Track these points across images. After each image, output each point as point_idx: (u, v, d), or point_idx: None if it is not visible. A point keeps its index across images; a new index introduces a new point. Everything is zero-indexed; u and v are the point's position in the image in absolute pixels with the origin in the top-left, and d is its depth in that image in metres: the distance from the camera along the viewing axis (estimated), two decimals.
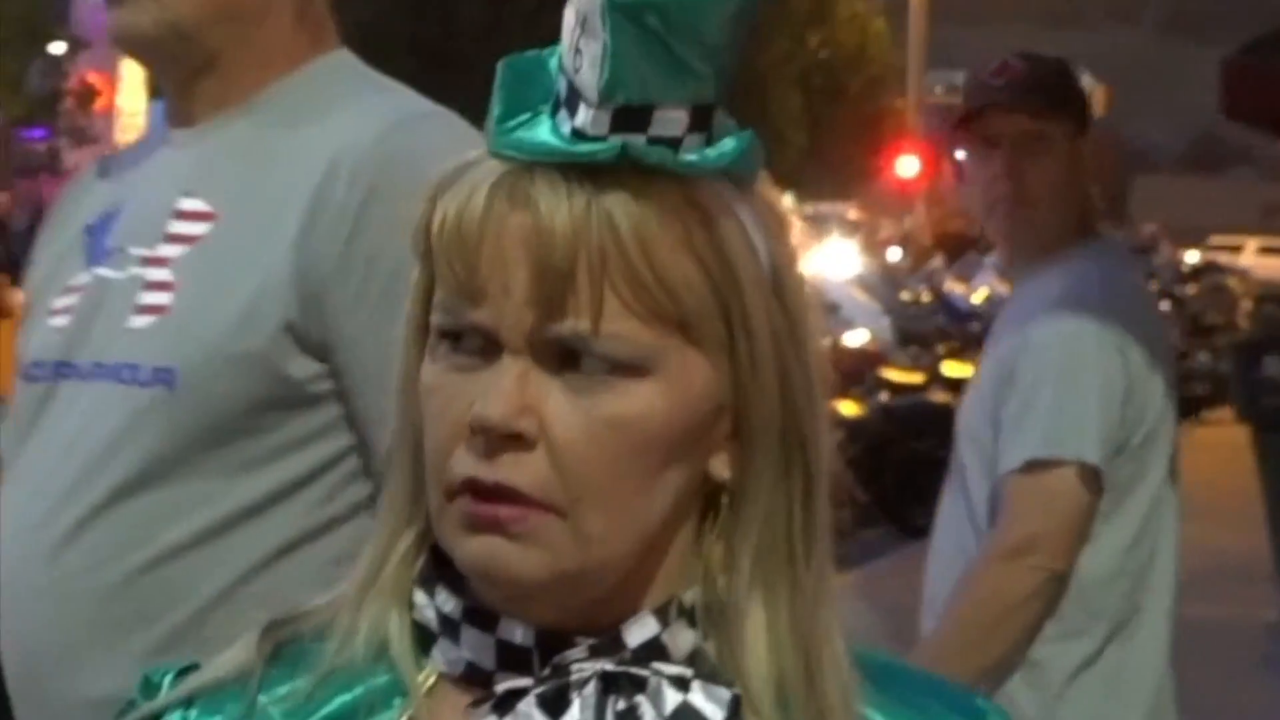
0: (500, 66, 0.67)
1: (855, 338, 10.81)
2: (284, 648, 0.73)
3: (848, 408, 9.12)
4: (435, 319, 0.66)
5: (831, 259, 15.28)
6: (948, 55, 39.26)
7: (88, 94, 29.54)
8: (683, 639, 0.68)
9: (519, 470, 0.62)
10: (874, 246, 23.27)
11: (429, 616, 0.70)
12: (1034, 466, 2.38)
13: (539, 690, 0.65)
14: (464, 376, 0.64)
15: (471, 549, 0.64)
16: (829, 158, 34.73)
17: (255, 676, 0.71)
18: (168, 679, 0.76)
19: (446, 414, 0.64)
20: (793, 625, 0.68)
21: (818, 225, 24.46)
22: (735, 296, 0.65)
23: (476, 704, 0.66)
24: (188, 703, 0.73)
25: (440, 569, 0.69)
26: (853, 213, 28.58)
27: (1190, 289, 19.41)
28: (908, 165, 30.01)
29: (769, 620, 0.68)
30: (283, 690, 0.71)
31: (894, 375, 10.78)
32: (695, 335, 0.64)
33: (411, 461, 0.70)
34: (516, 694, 0.66)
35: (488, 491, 0.62)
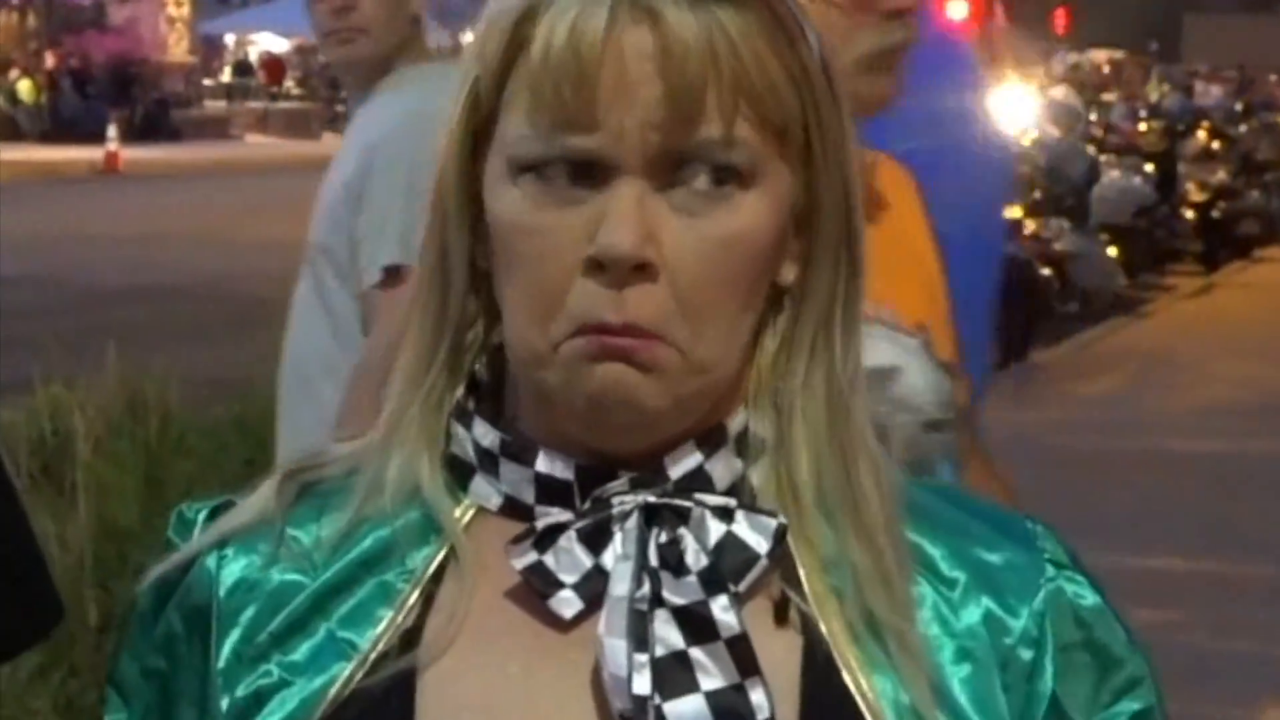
0: None
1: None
2: (311, 490, 0.71)
3: None
4: (518, 151, 0.61)
5: None
6: None
7: None
8: (726, 467, 0.65)
9: (644, 306, 0.59)
10: None
11: (467, 450, 0.68)
12: (393, 274, 2.37)
13: (579, 525, 0.63)
14: (568, 210, 0.60)
15: (599, 377, 0.60)
16: None
17: (280, 518, 0.69)
18: (201, 516, 0.74)
19: (555, 251, 0.60)
20: (831, 434, 0.65)
21: None
22: (811, 100, 0.64)
23: (517, 540, 0.63)
24: (221, 544, 0.71)
25: (476, 404, 0.67)
26: None
27: (1241, 128, 18.29)
28: (956, 8, 28.76)
29: (810, 434, 0.66)
30: (313, 529, 0.70)
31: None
32: (786, 140, 0.63)
33: (439, 303, 0.67)
34: (558, 528, 0.63)
35: (616, 330, 0.60)
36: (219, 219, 14.46)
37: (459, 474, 0.67)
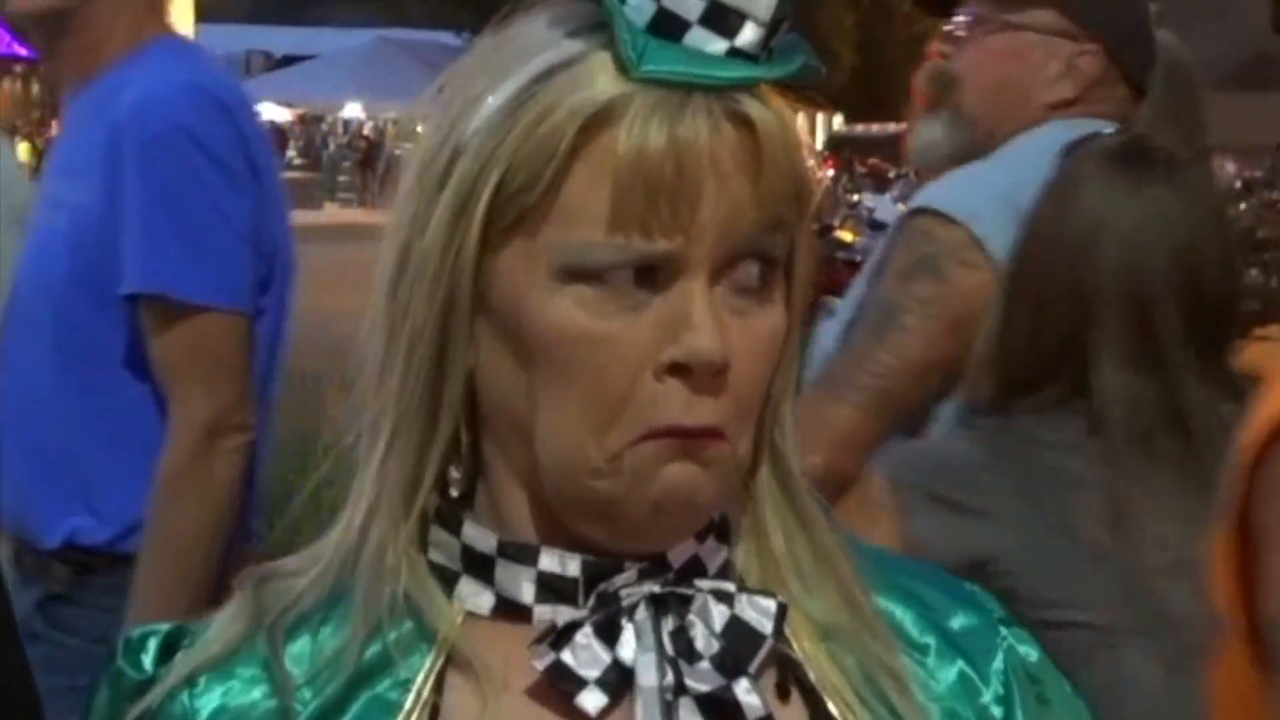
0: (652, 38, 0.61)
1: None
2: (285, 609, 0.71)
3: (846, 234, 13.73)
4: (581, 259, 0.61)
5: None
6: None
7: None
8: (714, 552, 0.70)
9: (718, 407, 0.62)
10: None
11: (452, 554, 0.70)
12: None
13: (594, 620, 0.65)
14: (633, 315, 0.61)
15: (669, 480, 0.62)
16: (878, 77, 33.97)
17: (264, 636, 0.70)
18: (152, 644, 0.73)
19: (621, 359, 0.61)
20: (790, 508, 0.71)
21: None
22: (802, 210, 0.69)
23: (538, 640, 0.65)
24: (189, 680, 0.70)
25: (459, 508, 0.70)
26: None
27: (1241, 205, 18.14)
28: None
29: (776, 510, 0.71)
30: (301, 648, 0.70)
31: None
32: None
33: (428, 420, 0.66)
34: (571, 626, 0.65)
35: (692, 432, 0.63)
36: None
37: (440, 580, 0.69)
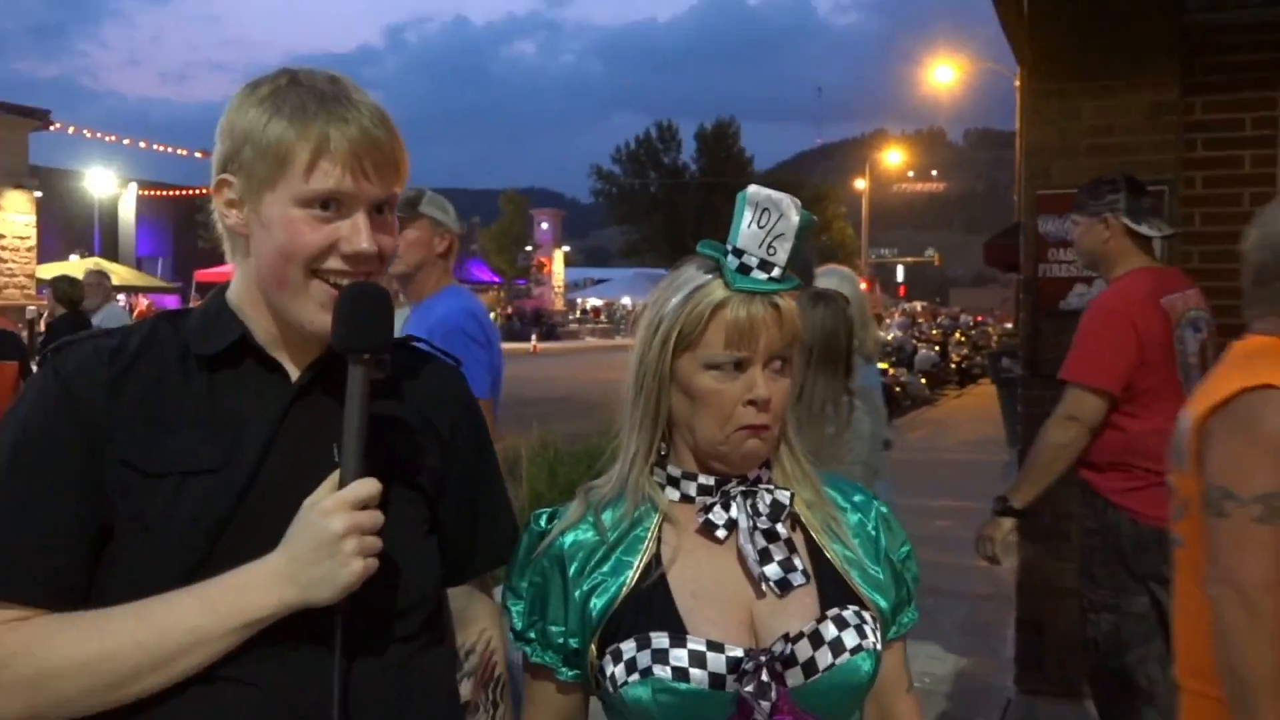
0: (733, 269, 1.36)
1: None
2: (597, 499, 1.44)
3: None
4: (713, 359, 1.36)
5: None
6: (878, 239, 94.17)
7: (541, 266, 63.16)
8: (765, 474, 1.44)
9: (766, 417, 1.36)
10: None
11: (663, 478, 1.43)
12: None
13: (720, 501, 1.40)
14: (731, 381, 1.36)
15: (751, 447, 1.37)
16: None
17: (591, 513, 1.43)
18: (544, 517, 1.47)
19: (730, 399, 1.36)
20: (798, 451, 1.47)
21: None
22: (797, 341, 1.41)
23: (703, 510, 1.40)
24: (561, 531, 1.43)
25: (665, 459, 1.43)
26: None
27: (972, 331, 33.03)
28: None
29: (791, 454, 1.47)
30: (605, 516, 1.42)
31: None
32: (797, 353, 1.42)
33: (653, 422, 1.41)
34: (709, 506, 1.40)
35: (759, 426, 1.36)
36: (575, 371, 27.07)
37: (659, 488, 1.43)
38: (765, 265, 1.34)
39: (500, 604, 1.54)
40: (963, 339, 29.87)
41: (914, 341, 25.83)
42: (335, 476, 1.22)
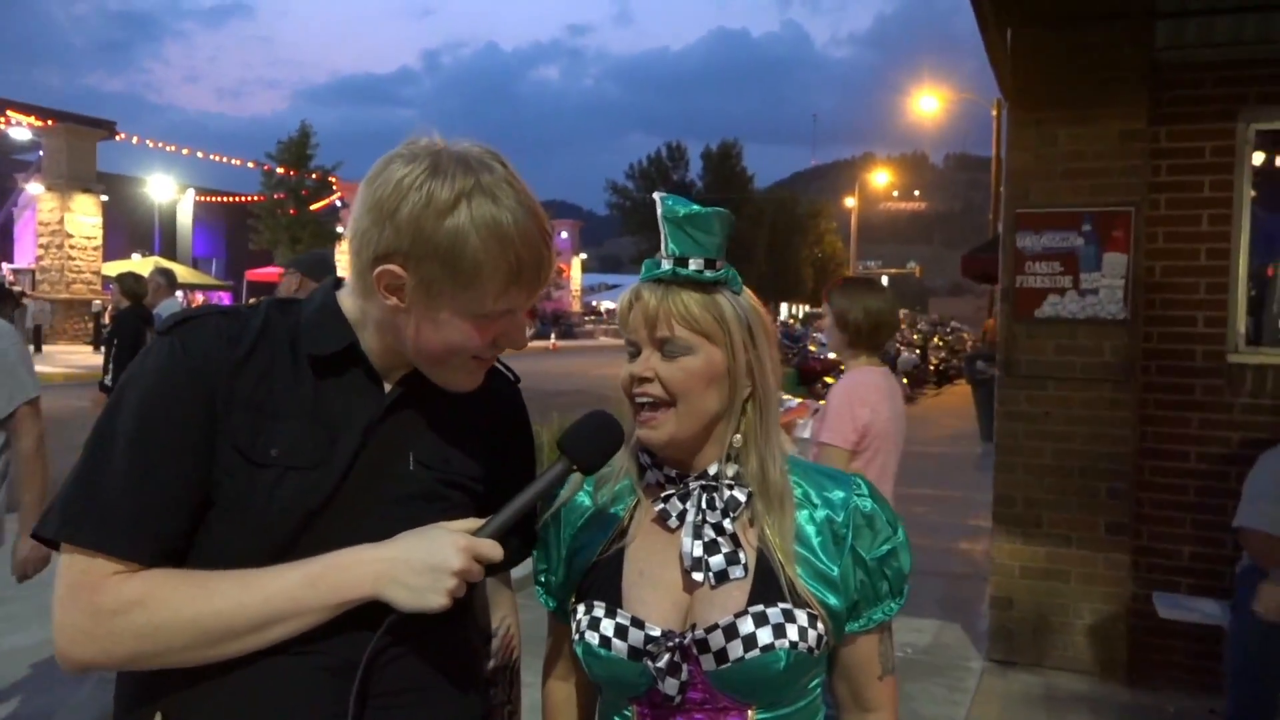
0: (647, 264, 1.36)
1: (830, 353, 17.47)
2: (598, 477, 1.44)
3: (829, 380, 16.09)
4: (625, 340, 1.37)
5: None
6: (865, 252, 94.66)
7: (559, 272, 55.70)
8: (727, 469, 1.38)
9: (651, 387, 1.33)
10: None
11: (645, 462, 1.41)
12: None
13: (679, 493, 1.37)
14: (630, 363, 1.36)
15: (642, 432, 1.36)
16: (785, 273, 66.12)
17: (593, 483, 1.46)
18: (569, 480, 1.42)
19: (624, 378, 1.36)
20: (766, 451, 1.37)
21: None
22: (725, 327, 1.34)
23: (661, 499, 1.38)
24: (567, 497, 1.47)
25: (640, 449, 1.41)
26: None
27: (949, 336, 34.24)
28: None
29: (757, 453, 1.37)
30: (601, 491, 1.45)
31: (842, 368, 19.60)
32: (712, 340, 1.33)
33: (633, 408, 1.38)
34: (671, 494, 1.38)
35: (648, 405, 1.34)
36: (589, 366, 26.50)
37: (639, 472, 1.43)
38: (680, 261, 1.34)
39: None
40: (941, 343, 29.82)
41: (897, 345, 25.90)
42: (474, 521, 1.24)
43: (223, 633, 1.17)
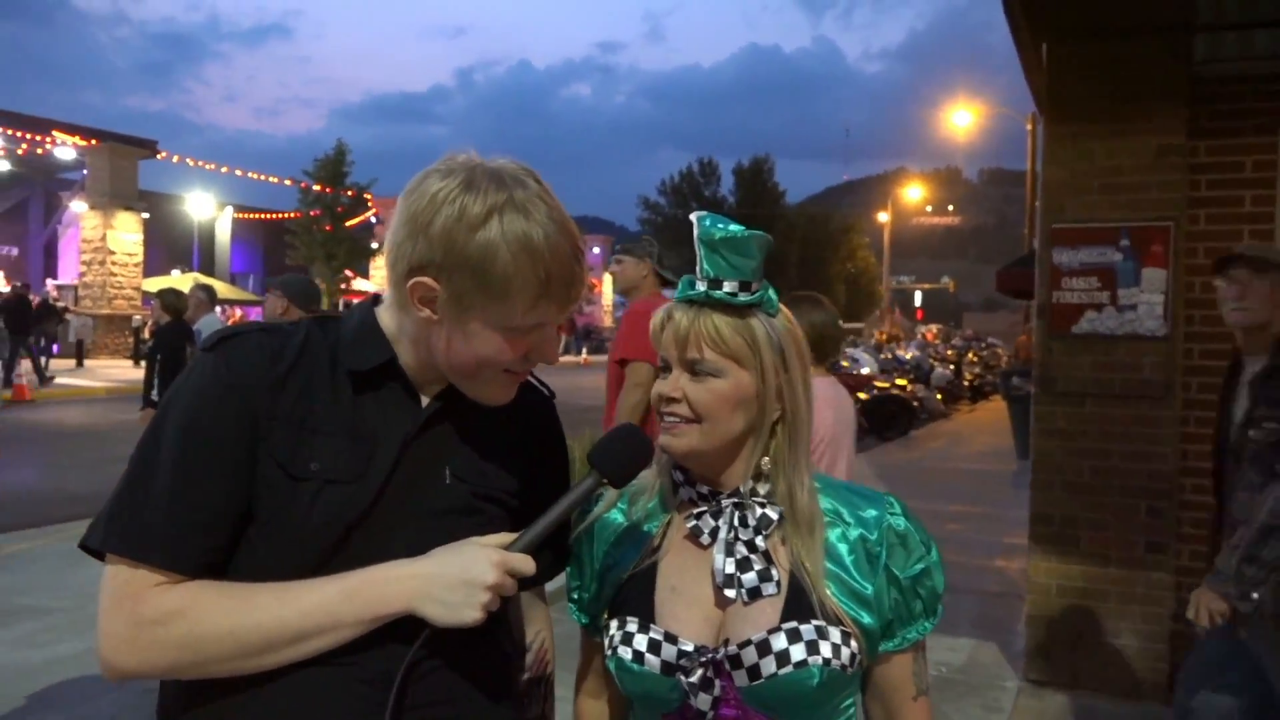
0: (683, 283, 1.36)
1: (865, 369, 18.59)
2: (631, 491, 1.45)
3: (862, 396, 16.53)
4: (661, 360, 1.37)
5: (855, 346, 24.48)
6: (898, 267, 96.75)
7: (591, 287, 58.30)
8: (759, 486, 1.37)
9: (679, 407, 1.33)
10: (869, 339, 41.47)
11: (678, 479, 1.41)
12: None
13: (712, 510, 1.36)
14: (660, 380, 1.36)
15: (663, 440, 1.35)
16: (855, 307, 65.83)
17: (626, 500, 1.46)
18: (600, 495, 1.45)
19: (655, 394, 1.35)
20: (795, 475, 1.36)
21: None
22: (755, 351, 1.33)
23: (694, 516, 1.36)
24: (602, 512, 1.47)
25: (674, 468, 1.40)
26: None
27: (984, 351, 33.63)
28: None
29: (786, 476, 1.36)
30: (633, 507, 1.45)
31: (877, 384, 18.02)
32: (741, 364, 1.33)
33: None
34: (704, 512, 1.36)
35: (674, 419, 1.33)
36: (600, 383, 26.00)
37: (673, 490, 1.42)
38: (713, 283, 1.34)
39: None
40: (975, 359, 29.76)
41: (931, 360, 25.89)
42: (506, 535, 1.25)
43: (260, 645, 1.18)
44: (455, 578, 1.19)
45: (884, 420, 16.88)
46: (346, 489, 1.25)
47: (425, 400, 1.35)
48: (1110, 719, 4.58)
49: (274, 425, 1.25)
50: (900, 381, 18.48)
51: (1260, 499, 2.86)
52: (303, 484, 1.24)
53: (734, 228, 1.32)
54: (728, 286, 1.31)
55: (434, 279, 1.24)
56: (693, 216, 1.34)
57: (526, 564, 1.22)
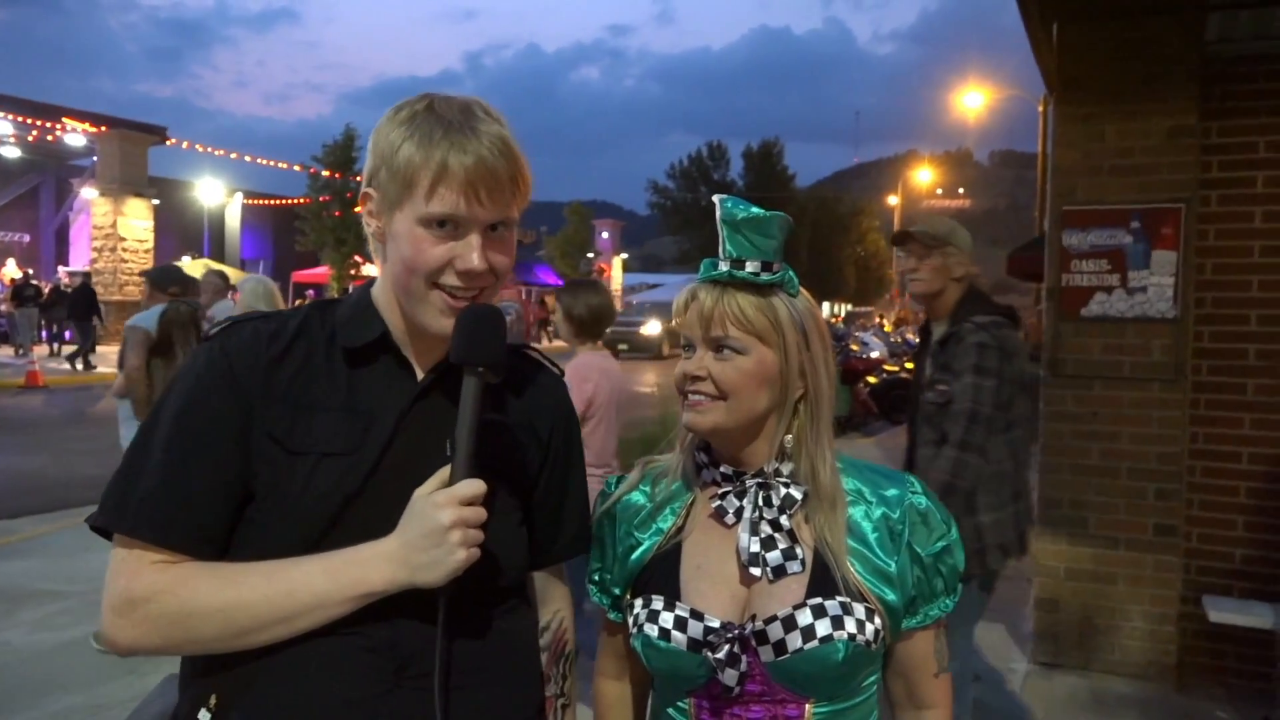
0: (705, 264, 1.39)
1: (874, 352, 18.89)
2: (653, 472, 1.50)
3: (871, 379, 16.66)
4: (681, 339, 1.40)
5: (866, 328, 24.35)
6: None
7: (601, 271, 55.48)
8: (783, 466, 1.39)
9: (704, 385, 1.36)
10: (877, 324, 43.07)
11: (702, 460, 1.44)
12: None
13: (737, 490, 1.39)
14: (684, 360, 1.39)
15: (687, 417, 1.39)
16: (865, 291, 72.33)
17: (641, 484, 1.49)
18: (612, 480, 1.54)
19: (677, 373, 1.40)
20: (818, 453, 1.38)
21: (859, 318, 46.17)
22: (779, 329, 1.36)
23: (719, 496, 1.39)
24: (623, 493, 1.51)
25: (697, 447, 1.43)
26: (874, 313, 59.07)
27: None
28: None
29: (808, 454, 1.38)
30: (655, 486, 1.46)
31: (887, 367, 18.18)
32: (765, 342, 1.35)
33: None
34: (728, 491, 1.39)
35: (699, 396, 1.37)
36: (631, 368, 25.81)
37: (696, 471, 1.45)
38: (737, 263, 1.37)
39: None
40: None
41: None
42: (445, 471, 1.23)
43: (249, 624, 1.21)
44: (418, 537, 1.21)
45: (893, 403, 16.90)
46: (343, 461, 1.27)
47: (420, 374, 1.37)
48: (1119, 700, 4.59)
49: (270, 402, 1.28)
50: (909, 365, 18.44)
51: (937, 460, 3.09)
52: (300, 458, 1.26)
53: (755, 209, 1.35)
54: (750, 266, 1.34)
55: (374, 188, 1.32)
56: (715, 198, 1.37)
57: (473, 486, 1.22)
